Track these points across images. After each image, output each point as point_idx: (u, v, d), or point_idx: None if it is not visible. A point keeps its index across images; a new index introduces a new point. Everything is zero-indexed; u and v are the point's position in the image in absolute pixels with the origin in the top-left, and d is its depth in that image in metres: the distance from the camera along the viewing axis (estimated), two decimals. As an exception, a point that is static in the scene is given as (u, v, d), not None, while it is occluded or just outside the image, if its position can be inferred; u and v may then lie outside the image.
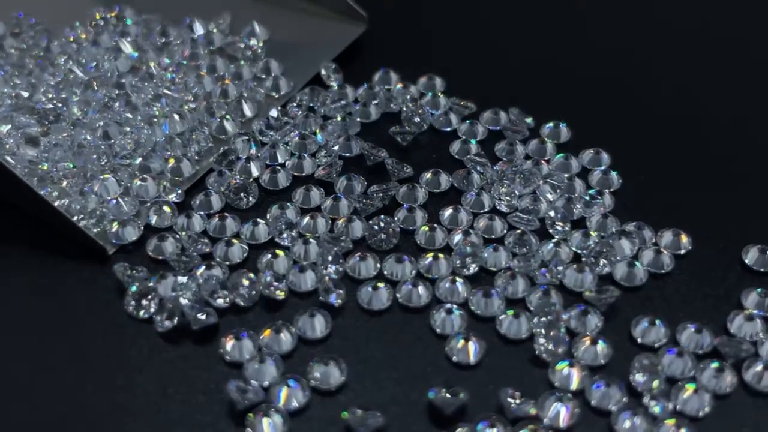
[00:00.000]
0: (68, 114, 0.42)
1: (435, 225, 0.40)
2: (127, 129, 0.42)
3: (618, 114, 0.46)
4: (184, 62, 0.46)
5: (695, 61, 0.50)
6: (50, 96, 0.43)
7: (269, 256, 0.38)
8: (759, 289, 0.37)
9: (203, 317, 0.35)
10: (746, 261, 0.39)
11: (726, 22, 0.53)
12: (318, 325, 0.36)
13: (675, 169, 0.43)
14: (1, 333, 0.36)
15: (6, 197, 0.40)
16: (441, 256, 0.38)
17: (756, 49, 0.51)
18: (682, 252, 0.39)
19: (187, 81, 0.45)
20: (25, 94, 0.43)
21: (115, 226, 0.39)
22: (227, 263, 0.38)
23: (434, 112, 0.45)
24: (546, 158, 0.43)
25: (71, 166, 0.40)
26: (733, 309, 0.37)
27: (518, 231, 0.39)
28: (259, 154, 0.42)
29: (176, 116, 0.43)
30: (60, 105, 0.43)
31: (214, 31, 0.48)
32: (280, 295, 0.37)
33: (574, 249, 0.39)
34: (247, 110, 0.44)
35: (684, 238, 0.39)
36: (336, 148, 0.43)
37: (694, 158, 0.44)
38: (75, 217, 0.38)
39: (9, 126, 0.41)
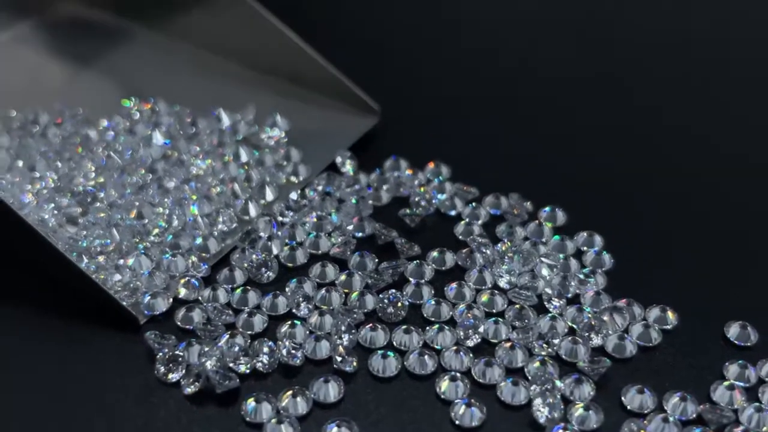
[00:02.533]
0: (105, 196, 0.46)
1: (440, 299, 0.43)
2: (159, 210, 0.46)
3: (610, 200, 0.49)
4: (212, 150, 0.50)
5: (673, 147, 0.53)
6: (89, 180, 0.47)
7: (288, 326, 0.41)
8: (740, 361, 0.40)
9: (227, 382, 0.38)
10: (728, 335, 0.42)
11: (721, 107, 0.56)
12: (332, 390, 0.39)
13: (662, 250, 0.46)
14: (38, 393, 0.39)
15: (48, 270, 0.43)
16: (446, 327, 0.41)
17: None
18: (669, 327, 0.42)
19: (214, 167, 0.49)
20: (66, 178, 0.47)
21: (146, 298, 0.42)
22: (249, 332, 0.41)
23: (440, 196, 0.49)
24: (543, 240, 0.46)
25: (107, 243, 0.44)
26: (716, 379, 0.40)
27: (517, 306, 0.42)
28: (279, 233, 0.46)
29: (204, 198, 0.46)
30: (98, 188, 0.47)
31: (240, 122, 0.52)
32: (297, 362, 0.40)
33: (569, 323, 0.42)
34: (269, 194, 0.48)
35: (671, 314, 0.42)
36: (350, 228, 0.46)
37: (679, 241, 0.47)
38: (110, 290, 0.42)
39: (51, 206, 0.45)
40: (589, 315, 0.42)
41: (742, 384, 0.39)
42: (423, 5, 0.66)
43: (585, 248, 0.46)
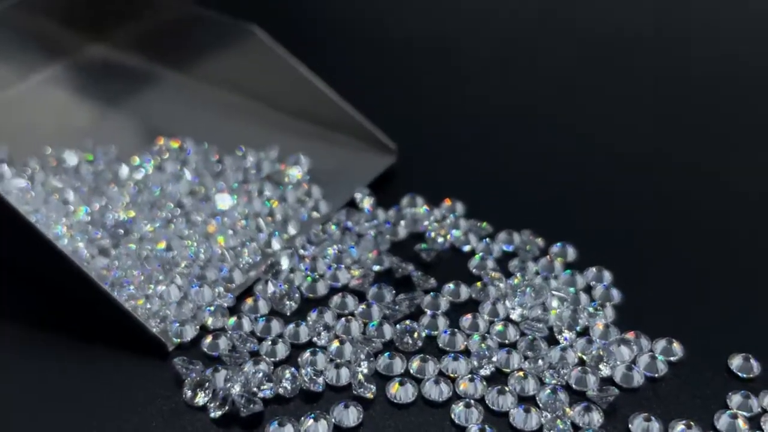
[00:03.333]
0: (136, 229, 0.49)
1: (455, 330, 0.45)
2: (187, 242, 0.48)
3: (620, 236, 0.51)
4: (237, 186, 0.52)
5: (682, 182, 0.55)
6: (121, 214, 0.49)
7: (309, 354, 0.43)
8: (742, 392, 0.42)
9: (251, 406, 0.40)
10: (731, 367, 0.43)
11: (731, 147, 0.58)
12: (351, 415, 0.41)
13: (669, 285, 0.48)
14: (72, 413, 0.41)
15: (80, 299, 0.45)
16: (461, 357, 0.43)
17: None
18: (675, 358, 0.44)
19: (239, 203, 0.51)
20: (99, 212, 0.50)
21: (175, 326, 0.44)
22: (272, 359, 0.43)
23: (455, 232, 0.51)
24: (554, 274, 0.48)
25: (138, 273, 0.46)
26: (719, 408, 0.41)
27: (529, 337, 0.44)
28: (301, 266, 0.48)
29: (230, 232, 0.49)
30: (129, 221, 0.49)
31: (264, 160, 0.54)
32: (319, 388, 0.42)
33: (579, 354, 0.44)
34: (292, 228, 0.50)
35: (676, 346, 0.44)
36: (368, 261, 0.48)
37: (685, 277, 0.49)
38: (140, 318, 0.44)
39: (86, 239, 0.48)
40: (598, 346, 0.44)
41: (745, 414, 0.41)
42: (438, 47, 0.68)
43: (594, 283, 0.48)
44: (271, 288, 0.46)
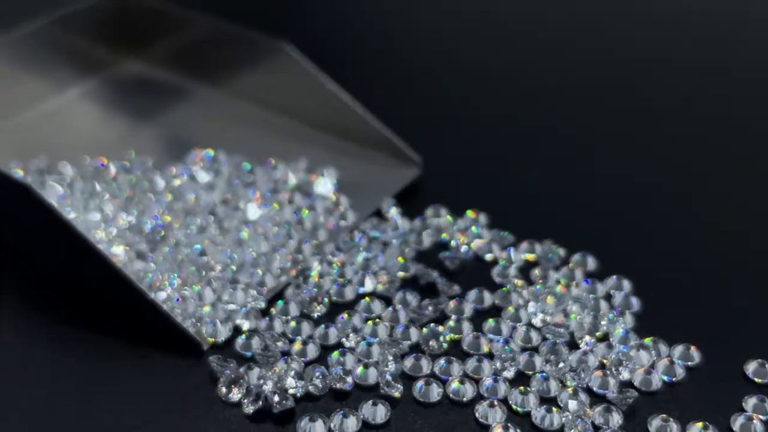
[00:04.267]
0: (171, 235, 0.51)
1: (479, 333, 0.46)
2: (220, 248, 0.50)
3: (639, 246, 0.53)
4: (269, 196, 0.54)
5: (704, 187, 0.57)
6: (157, 221, 0.51)
7: (338, 354, 0.45)
8: (758, 395, 0.43)
9: (283, 402, 0.42)
10: (747, 373, 0.45)
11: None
12: (379, 413, 0.42)
13: (688, 293, 0.49)
14: (110, 410, 0.43)
15: (118, 302, 0.47)
16: (485, 359, 0.45)
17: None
18: (692, 363, 0.45)
19: (270, 211, 0.53)
20: (135, 221, 0.52)
21: (209, 327, 0.46)
22: (303, 359, 0.45)
23: (478, 241, 0.52)
24: (575, 283, 0.50)
25: (174, 277, 0.48)
26: (736, 411, 0.43)
27: (551, 341, 0.46)
28: (329, 272, 0.50)
29: (262, 239, 0.50)
30: (164, 227, 0.51)
31: (294, 172, 0.56)
32: (348, 387, 0.43)
33: (599, 358, 0.45)
34: (321, 236, 0.52)
35: (694, 351, 0.46)
36: (394, 268, 0.50)
37: (704, 285, 0.50)
38: (177, 318, 0.46)
39: (123, 245, 0.49)
40: (618, 351, 0.45)
41: (761, 416, 0.42)
42: (462, 60, 0.70)
43: (614, 291, 0.49)
44: (300, 292, 0.48)
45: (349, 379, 0.43)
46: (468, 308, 0.48)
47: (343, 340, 0.46)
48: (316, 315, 0.47)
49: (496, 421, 0.42)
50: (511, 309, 0.47)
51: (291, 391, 0.43)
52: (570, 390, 0.43)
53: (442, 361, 0.45)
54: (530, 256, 0.51)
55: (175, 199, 0.53)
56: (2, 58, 0.61)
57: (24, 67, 0.62)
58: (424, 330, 0.46)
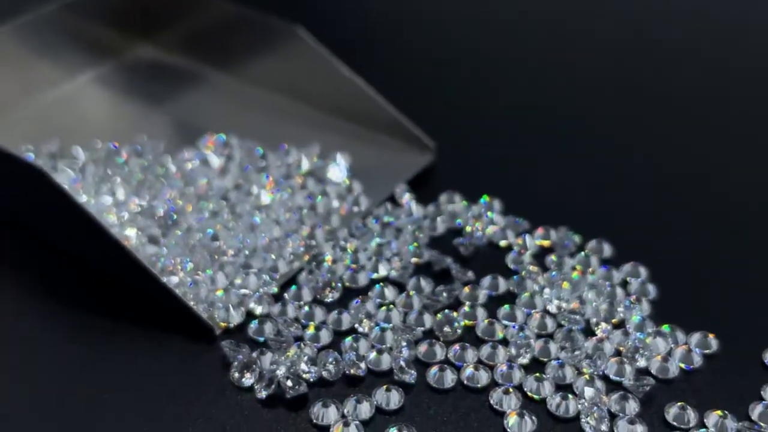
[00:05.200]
0: (184, 219, 0.50)
1: (494, 320, 0.46)
2: (232, 233, 0.49)
3: (655, 232, 0.52)
4: (282, 181, 0.54)
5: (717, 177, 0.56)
6: (169, 205, 0.51)
7: (351, 340, 0.44)
8: (777, 383, 0.43)
9: (297, 387, 0.42)
10: (766, 361, 0.44)
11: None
12: (393, 398, 0.42)
13: (705, 280, 0.49)
14: (123, 394, 0.42)
15: (130, 286, 0.47)
16: (499, 346, 0.44)
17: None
18: (710, 351, 0.45)
19: (282, 197, 0.52)
20: (147, 205, 0.51)
21: (222, 311, 0.45)
22: (316, 345, 0.44)
23: (492, 228, 0.52)
24: (591, 270, 0.49)
25: (187, 261, 0.47)
26: (754, 400, 0.42)
27: (566, 328, 0.45)
28: (342, 257, 0.49)
29: (274, 224, 0.50)
30: (177, 212, 0.50)
31: (306, 157, 0.56)
32: (361, 372, 0.43)
33: (615, 345, 0.45)
34: (334, 221, 0.51)
35: (712, 339, 0.45)
36: (408, 254, 0.50)
37: (721, 272, 0.49)
38: (189, 303, 0.45)
39: (135, 229, 0.49)
40: (635, 338, 0.44)
41: (780, 405, 0.42)
42: (476, 45, 0.70)
43: (630, 278, 0.49)
44: (314, 277, 0.47)
45: (363, 365, 0.43)
46: (482, 294, 0.47)
47: (357, 325, 0.45)
48: (329, 300, 0.47)
49: (511, 408, 0.42)
50: (526, 295, 0.47)
51: (304, 376, 0.42)
52: (586, 377, 0.42)
53: (456, 347, 0.44)
54: (545, 242, 0.51)
55: (188, 183, 0.53)
56: (14, 44, 0.61)
57: (36, 52, 0.62)
58: (438, 316, 0.46)
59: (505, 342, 0.45)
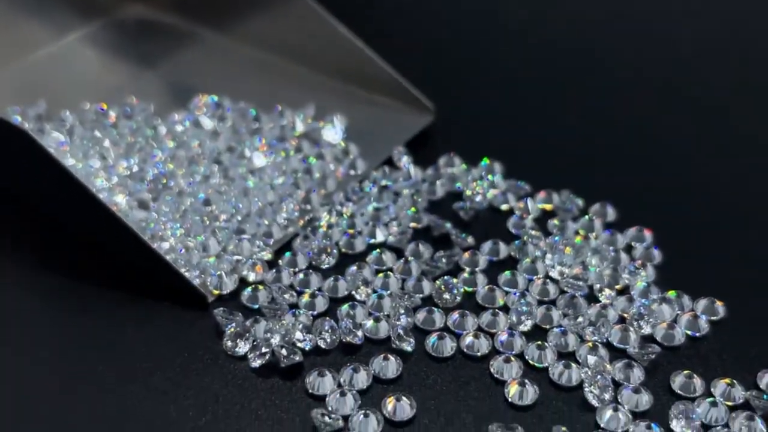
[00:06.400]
0: (175, 184, 0.49)
1: (494, 287, 0.45)
2: (225, 197, 0.48)
3: (660, 196, 0.51)
4: (275, 144, 0.52)
5: (730, 140, 0.55)
6: (159, 168, 0.49)
7: (348, 307, 0.43)
8: (786, 351, 0.41)
9: (291, 356, 0.40)
10: (775, 327, 0.43)
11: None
12: (391, 367, 0.41)
13: (711, 246, 0.47)
14: (113, 363, 0.41)
15: (120, 251, 0.46)
16: (500, 313, 0.43)
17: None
18: (717, 318, 0.43)
19: (276, 160, 0.51)
20: (136, 168, 0.50)
21: (215, 278, 0.44)
22: (311, 312, 0.43)
23: (493, 191, 0.50)
24: (594, 234, 0.48)
25: (178, 226, 0.46)
26: (762, 368, 0.41)
27: (569, 294, 0.44)
28: (339, 222, 0.48)
29: (268, 188, 0.49)
30: (167, 175, 0.49)
31: (301, 119, 0.54)
32: (358, 341, 0.42)
33: (619, 312, 0.44)
34: (330, 185, 0.50)
35: (719, 305, 0.44)
36: (406, 219, 0.48)
37: (728, 236, 0.48)
38: (180, 269, 0.44)
39: (126, 194, 0.48)
40: (639, 305, 0.43)
41: (789, 373, 0.41)
42: (477, 5, 0.68)
43: (635, 243, 0.47)
44: (309, 243, 0.46)
45: (360, 333, 0.42)
46: (482, 260, 0.46)
47: (353, 292, 0.44)
48: (324, 267, 0.46)
49: (512, 377, 0.40)
50: (527, 261, 0.46)
51: (299, 344, 0.41)
52: (589, 345, 0.41)
53: (455, 314, 0.43)
54: (548, 206, 0.50)
55: (179, 146, 0.51)
56: (2, 3, 0.59)
57: (23, 10, 0.60)
58: (437, 282, 0.44)
59: (506, 309, 0.44)
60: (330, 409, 0.39)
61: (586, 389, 0.40)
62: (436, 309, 0.43)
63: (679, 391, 0.40)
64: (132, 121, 0.53)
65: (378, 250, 0.46)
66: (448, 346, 0.42)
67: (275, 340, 0.41)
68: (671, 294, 0.44)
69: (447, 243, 0.47)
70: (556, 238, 0.47)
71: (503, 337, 0.42)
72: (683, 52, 0.63)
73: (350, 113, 0.54)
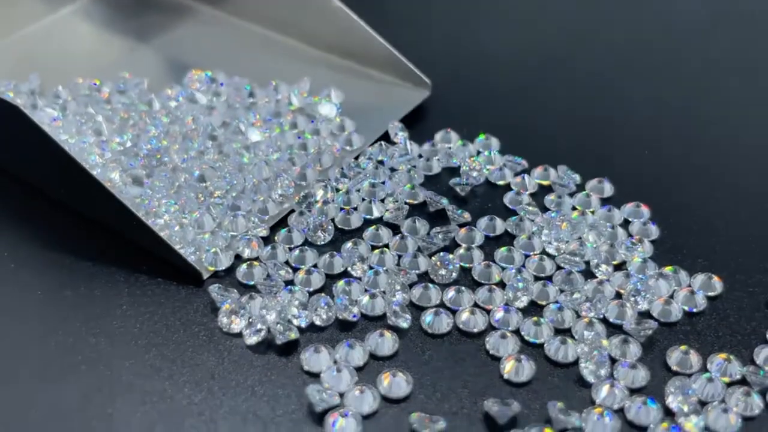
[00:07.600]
0: (169, 160, 0.48)
1: (490, 263, 0.44)
2: (219, 173, 0.48)
3: (657, 170, 0.50)
4: (270, 119, 0.52)
5: (730, 116, 0.54)
6: (153, 144, 0.49)
7: (344, 283, 0.43)
8: (783, 326, 0.41)
9: (287, 333, 0.40)
10: (772, 303, 0.43)
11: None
12: (386, 344, 0.41)
13: (708, 222, 0.47)
14: (104, 344, 0.41)
15: (115, 228, 0.45)
16: (496, 289, 0.43)
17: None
18: (714, 293, 0.43)
19: (271, 135, 0.50)
20: (130, 144, 0.49)
21: (210, 255, 0.44)
22: (307, 289, 0.43)
23: (490, 167, 0.50)
24: (591, 210, 0.48)
25: (172, 203, 0.46)
26: (759, 343, 0.41)
27: (565, 270, 0.44)
28: (334, 198, 0.48)
29: (263, 164, 0.48)
30: (161, 151, 0.48)
31: (296, 93, 0.53)
32: (354, 318, 0.41)
33: (615, 288, 0.43)
34: (325, 161, 0.49)
35: (716, 281, 0.44)
36: (402, 195, 0.48)
37: (725, 212, 0.48)
38: (175, 246, 0.44)
39: (119, 170, 0.47)
40: (636, 281, 0.43)
41: (785, 348, 0.40)
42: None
43: (632, 218, 0.47)
44: (304, 219, 0.46)
45: (355, 309, 0.42)
46: (479, 236, 0.46)
47: (349, 269, 0.44)
48: (320, 243, 0.45)
49: (508, 353, 0.40)
50: (524, 237, 0.46)
51: (294, 321, 0.41)
52: (585, 320, 0.41)
53: (451, 290, 0.43)
54: (544, 182, 0.49)
55: (173, 122, 0.51)
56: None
57: (14, -16, 0.60)
58: (433, 259, 0.44)
59: (502, 285, 0.43)
60: (326, 385, 0.39)
61: (582, 365, 0.40)
62: (432, 285, 0.43)
63: (675, 367, 0.40)
64: (125, 96, 0.53)
65: (374, 226, 0.46)
66: (444, 323, 0.42)
67: (271, 316, 0.41)
68: (668, 270, 0.44)
69: (443, 219, 0.47)
70: (553, 213, 0.46)
71: (499, 313, 0.42)
72: (680, 27, 0.63)
73: (346, 88, 0.54)
